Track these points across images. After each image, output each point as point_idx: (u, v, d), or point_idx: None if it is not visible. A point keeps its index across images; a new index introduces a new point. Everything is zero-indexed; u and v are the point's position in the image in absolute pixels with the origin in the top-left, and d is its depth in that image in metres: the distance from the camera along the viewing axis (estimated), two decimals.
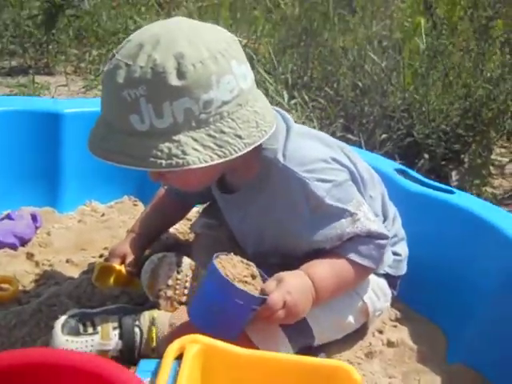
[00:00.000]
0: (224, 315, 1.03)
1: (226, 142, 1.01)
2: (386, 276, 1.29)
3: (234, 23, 3.05)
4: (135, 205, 1.72)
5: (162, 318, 1.13)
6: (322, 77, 2.66)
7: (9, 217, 1.52)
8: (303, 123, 2.43)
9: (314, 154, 1.14)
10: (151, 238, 1.39)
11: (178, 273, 1.17)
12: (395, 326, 1.35)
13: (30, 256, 1.46)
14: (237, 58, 1.03)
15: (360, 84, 2.43)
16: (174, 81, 0.97)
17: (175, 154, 0.98)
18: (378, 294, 1.26)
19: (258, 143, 1.05)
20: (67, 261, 1.44)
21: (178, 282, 1.16)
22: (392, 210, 1.33)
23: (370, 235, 1.15)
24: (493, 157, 2.31)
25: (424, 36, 2.53)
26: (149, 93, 0.97)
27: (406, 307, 1.39)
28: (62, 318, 1.10)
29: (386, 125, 2.26)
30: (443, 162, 2.23)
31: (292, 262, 1.16)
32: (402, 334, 1.32)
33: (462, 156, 2.26)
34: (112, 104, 1.02)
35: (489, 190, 2.21)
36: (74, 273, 1.41)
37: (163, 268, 1.17)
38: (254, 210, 1.19)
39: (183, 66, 0.97)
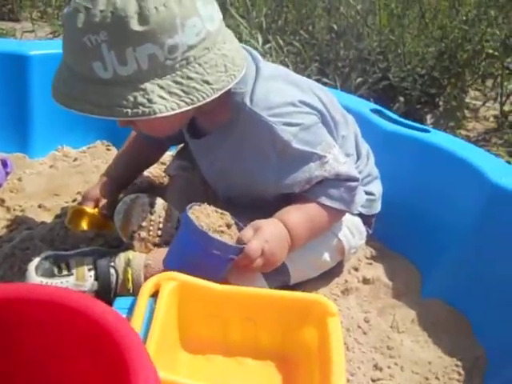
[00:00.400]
0: (202, 266, 1.01)
1: (194, 89, 0.98)
2: (360, 215, 1.29)
3: None
4: (108, 149, 1.69)
5: (138, 260, 1.12)
6: (296, 20, 2.62)
7: None
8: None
9: (282, 97, 1.11)
10: (124, 181, 1.37)
11: (151, 213, 1.15)
12: (370, 264, 1.36)
13: (0, 202, 1.43)
14: None
15: (335, 27, 2.39)
16: (136, 26, 0.92)
17: (141, 102, 0.95)
18: (352, 232, 1.26)
19: (227, 88, 1.02)
20: (39, 206, 1.42)
21: (152, 222, 1.15)
22: (365, 148, 1.33)
23: (339, 177, 1.14)
24: (467, 100, 2.31)
25: None
26: (110, 38, 0.93)
27: (381, 245, 1.40)
28: (36, 260, 1.09)
29: (362, 68, 2.24)
30: (418, 106, 2.23)
31: (263, 204, 1.15)
32: (378, 271, 1.34)
33: (437, 99, 2.26)
34: (73, 50, 0.97)
35: (463, 132, 2.22)
36: (47, 217, 1.38)
37: (136, 209, 1.15)
38: (222, 154, 1.17)
39: (145, 10, 0.92)
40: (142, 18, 0.92)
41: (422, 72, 2.20)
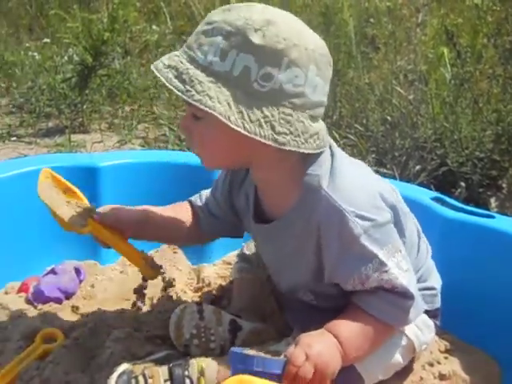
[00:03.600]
0: None
1: (257, 122, 1.00)
2: (425, 311, 1.23)
3: None
4: (175, 252, 1.73)
5: (211, 368, 1.12)
6: (350, 114, 2.68)
7: (53, 271, 1.55)
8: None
9: (362, 185, 1.10)
10: (144, 232, 1.30)
11: (201, 320, 1.19)
12: (446, 358, 1.32)
13: (75, 309, 1.48)
14: (319, 68, 1.04)
15: (389, 118, 2.44)
16: (253, 37, 1.00)
17: (209, 93, 0.99)
18: (421, 328, 1.22)
19: (283, 147, 1.01)
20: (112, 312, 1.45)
21: (203, 329, 1.19)
22: (424, 242, 1.29)
23: (395, 290, 1.09)
24: None
25: (449, 66, 2.54)
26: (228, 34, 1.01)
27: (454, 338, 1.36)
28: (115, 376, 1.10)
29: (419, 156, 2.25)
30: (481, 190, 2.20)
31: (326, 304, 1.15)
32: (454, 365, 1.29)
33: (500, 182, 2.23)
34: (199, 28, 1.06)
35: None
36: (120, 323, 1.41)
37: (186, 318, 1.19)
38: (290, 240, 1.15)
39: (268, 31, 1.00)
40: (262, 36, 1.00)
41: (481, 156, 2.19)
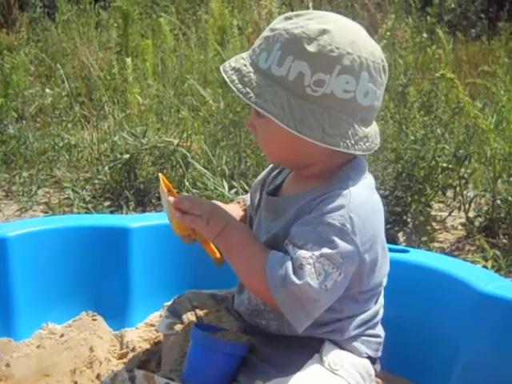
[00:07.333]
0: (211, 370, 1.16)
1: (309, 124, 1.07)
2: (369, 357, 1.23)
3: (163, 126, 3.11)
4: (94, 319, 1.65)
5: None
6: (256, 163, 2.73)
7: None
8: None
9: (373, 211, 1.17)
10: None
11: None
12: None
13: None
14: (371, 76, 1.10)
15: None
16: (308, 45, 1.08)
17: (265, 96, 1.08)
18: (363, 376, 1.21)
19: (334, 148, 1.09)
20: None
21: None
22: (382, 294, 1.29)
23: (293, 265, 1.08)
24: (433, 213, 2.39)
25: None
26: (285, 42, 1.10)
27: (384, 373, 1.36)
28: None
29: None
30: (388, 226, 2.29)
31: None
32: None
33: (405, 217, 2.33)
34: (263, 34, 1.15)
35: (436, 245, 2.28)
36: None
37: None
38: (292, 211, 1.16)
39: (322, 40, 1.08)
40: (316, 44, 1.08)
41: (385, 194, 2.29)
